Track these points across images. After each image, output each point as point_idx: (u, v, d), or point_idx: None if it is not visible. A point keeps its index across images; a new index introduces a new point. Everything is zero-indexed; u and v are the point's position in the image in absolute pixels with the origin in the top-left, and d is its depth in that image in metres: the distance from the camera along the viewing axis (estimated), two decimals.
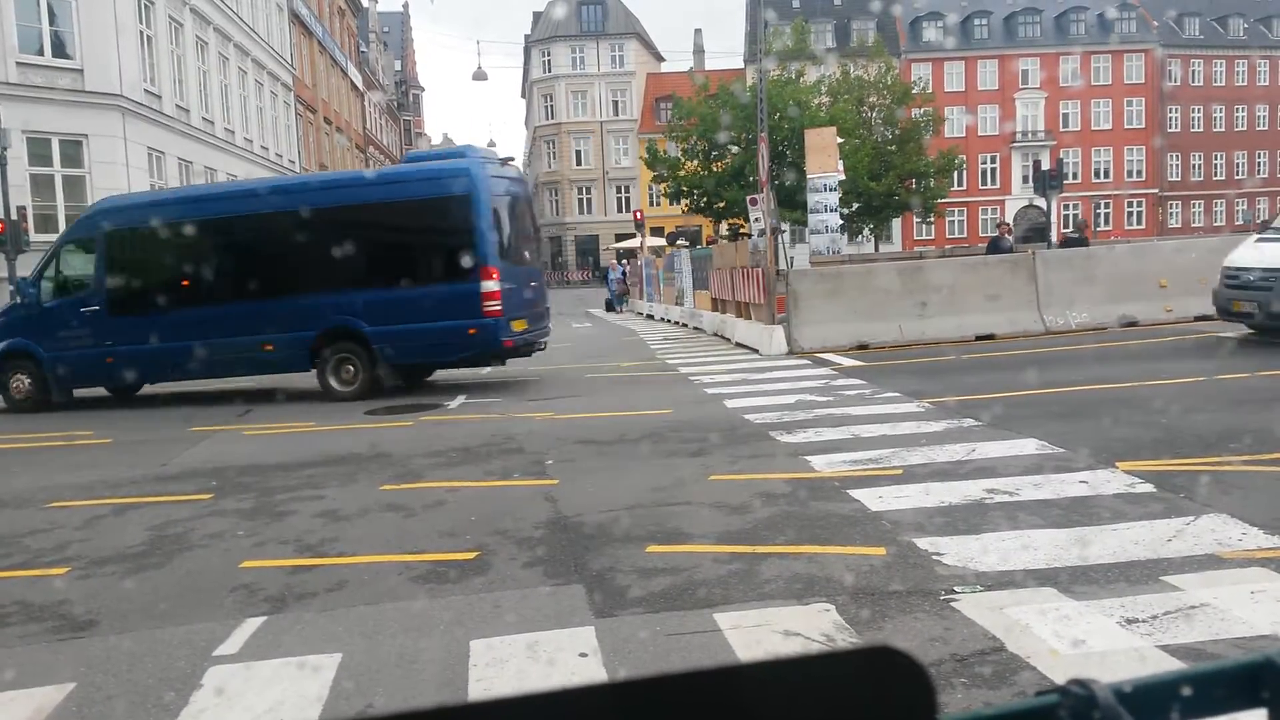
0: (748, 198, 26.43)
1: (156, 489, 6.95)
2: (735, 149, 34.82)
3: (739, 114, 33.88)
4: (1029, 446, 6.46)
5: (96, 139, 20.50)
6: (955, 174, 42.96)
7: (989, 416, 7.50)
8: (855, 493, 5.54)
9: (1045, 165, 20.77)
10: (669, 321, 22.02)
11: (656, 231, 43.39)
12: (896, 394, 8.98)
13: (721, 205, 36.57)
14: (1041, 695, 0.57)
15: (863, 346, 12.75)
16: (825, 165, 25.92)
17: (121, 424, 10.74)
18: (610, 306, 30.28)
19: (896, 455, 6.44)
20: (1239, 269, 10.70)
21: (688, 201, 37.83)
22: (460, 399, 10.72)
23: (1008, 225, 18.27)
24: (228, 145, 28.56)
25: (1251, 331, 10.97)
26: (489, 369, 13.55)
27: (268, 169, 32.96)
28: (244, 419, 10.33)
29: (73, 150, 20.35)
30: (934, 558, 4.38)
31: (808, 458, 6.55)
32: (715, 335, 16.84)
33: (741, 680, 0.52)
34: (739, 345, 14.65)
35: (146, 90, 22.40)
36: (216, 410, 11.38)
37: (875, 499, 5.39)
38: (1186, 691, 0.58)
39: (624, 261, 34.09)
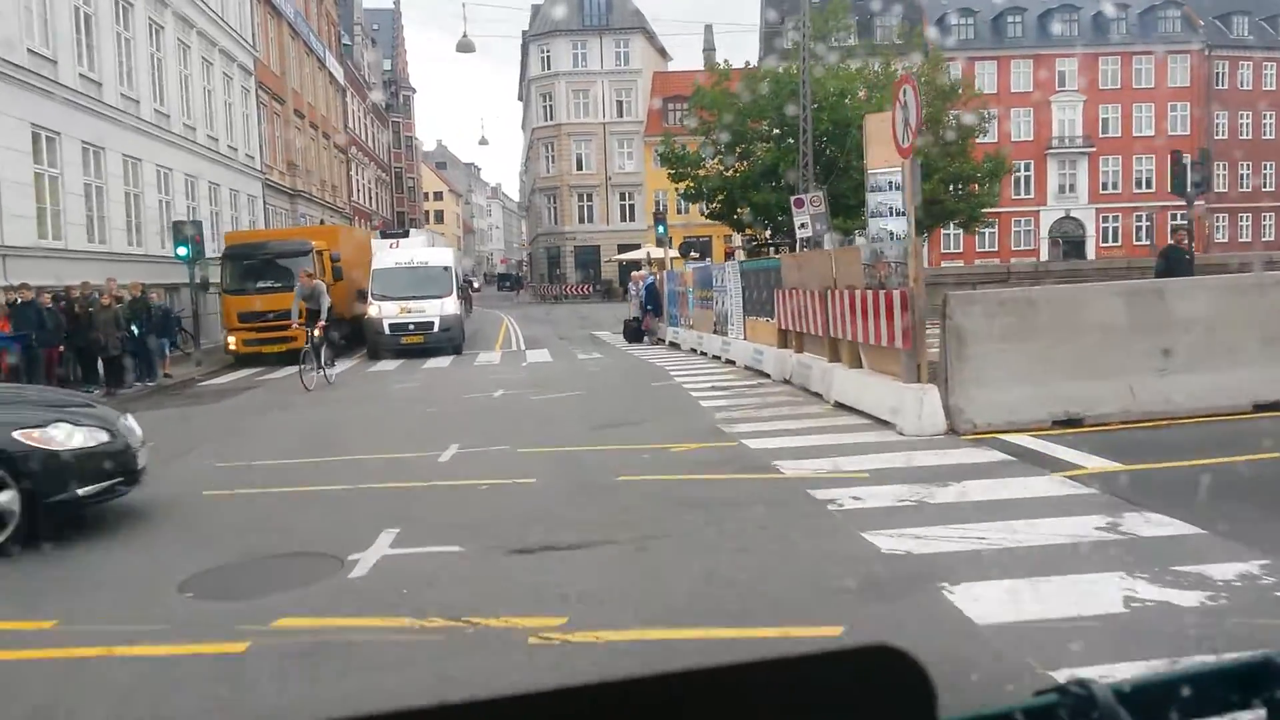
0: (792, 199, 21.44)
1: None
2: (766, 144, 29.78)
3: (770, 101, 28.87)
4: None
5: None
6: (1001, 180, 37.92)
7: None
8: None
9: (1186, 158, 15.88)
10: (704, 355, 16.94)
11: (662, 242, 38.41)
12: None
13: (745, 210, 31.42)
14: (1041, 694, 0.55)
15: (1072, 422, 7.70)
16: (890, 158, 20.99)
17: None
18: (636, 335, 22.44)
19: None
20: None
21: (707, 204, 32.79)
22: (381, 544, 5.53)
23: (1183, 232, 13.16)
24: (159, 130, 23.35)
25: None
26: (455, 483, 8.54)
27: (217, 163, 27.83)
28: None
29: None
30: None
31: None
32: (787, 383, 11.81)
33: (742, 679, 0.51)
34: (841, 406, 9.60)
35: (31, 52, 17.32)
36: None
37: None
38: (1186, 691, 0.57)
39: (652, 270, 26.65)
